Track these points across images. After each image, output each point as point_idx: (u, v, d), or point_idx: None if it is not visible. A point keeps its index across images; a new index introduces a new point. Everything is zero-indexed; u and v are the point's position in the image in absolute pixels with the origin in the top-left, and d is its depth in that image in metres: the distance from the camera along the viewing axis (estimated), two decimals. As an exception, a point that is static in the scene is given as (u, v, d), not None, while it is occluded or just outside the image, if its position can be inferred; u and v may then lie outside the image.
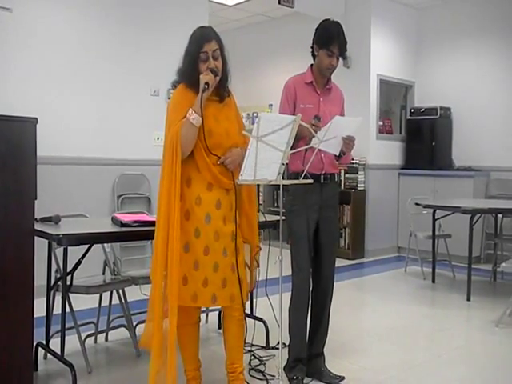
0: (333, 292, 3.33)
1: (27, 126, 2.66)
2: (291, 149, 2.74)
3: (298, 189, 3.12)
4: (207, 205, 2.72)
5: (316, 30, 3.22)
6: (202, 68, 2.71)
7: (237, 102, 2.98)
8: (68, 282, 3.27)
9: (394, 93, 8.17)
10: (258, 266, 3.12)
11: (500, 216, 6.17)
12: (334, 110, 3.20)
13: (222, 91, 2.84)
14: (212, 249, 2.71)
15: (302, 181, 2.84)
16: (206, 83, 2.64)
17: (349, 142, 3.08)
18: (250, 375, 3.33)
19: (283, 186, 2.81)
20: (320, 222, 3.22)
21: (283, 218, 3.02)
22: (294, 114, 2.93)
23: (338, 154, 3.16)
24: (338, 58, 3.16)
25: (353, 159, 7.05)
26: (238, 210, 2.91)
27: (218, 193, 2.76)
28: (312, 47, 3.23)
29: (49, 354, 3.45)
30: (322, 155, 3.16)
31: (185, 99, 2.72)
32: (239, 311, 2.89)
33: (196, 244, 2.70)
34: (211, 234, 2.72)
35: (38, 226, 2.97)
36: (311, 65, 3.27)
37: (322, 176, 3.20)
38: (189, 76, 2.75)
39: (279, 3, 6.75)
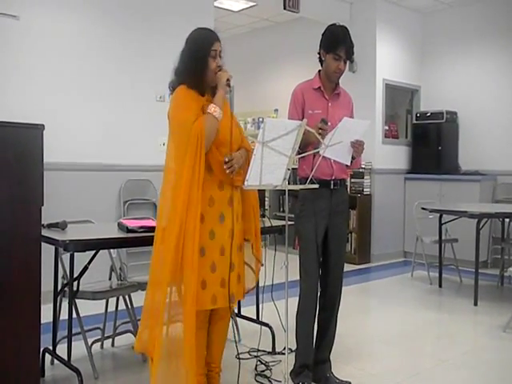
0: (341, 298, 3.32)
1: (34, 132, 2.68)
2: (300, 154, 2.75)
3: (308, 194, 3.12)
4: (220, 204, 2.76)
5: (322, 34, 3.22)
6: (212, 65, 2.75)
7: (242, 106, 3.01)
8: (74, 288, 3.28)
9: (399, 97, 8.16)
10: (262, 265, 3.14)
11: (507, 220, 6.15)
12: (343, 115, 3.19)
13: (215, 91, 2.86)
14: (227, 248, 2.75)
15: (307, 186, 2.84)
16: (227, 79, 2.73)
17: (358, 145, 3.08)
18: (256, 380, 3.32)
19: (292, 191, 2.81)
20: (329, 228, 3.21)
21: (292, 223, 3.02)
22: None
23: (349, 164, 3.16)
24: (345, 62, 3.16)
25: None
26: (247, 206, 2.97)
27: (229, 190, 2.80)
28: (319, 52, 3.23)
29: (56, 360, 3.46)
30: (332, 160, 3.15)
31: (192, 99, 2.74)
32: (230, 310, 2.94)
33: (212, 246, 2.72)
34: (226, 233, 2.76)
35: (44, 232, 2.99)
36: (319, 71, 3.27)
37: (332, 182, 3.18)
38: (196, 73, 2.75)
39: (284, 8, 6.77)
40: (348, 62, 3.22)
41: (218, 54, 2.78)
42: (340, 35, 3.13)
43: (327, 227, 3.21)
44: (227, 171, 2.71)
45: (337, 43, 3.11)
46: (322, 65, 3.24)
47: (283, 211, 8.14)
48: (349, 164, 3.17)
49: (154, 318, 2.68)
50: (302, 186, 2.93)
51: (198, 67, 2.75)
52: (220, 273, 2.73)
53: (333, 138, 2.86)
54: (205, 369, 2.98)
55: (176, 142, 2.75)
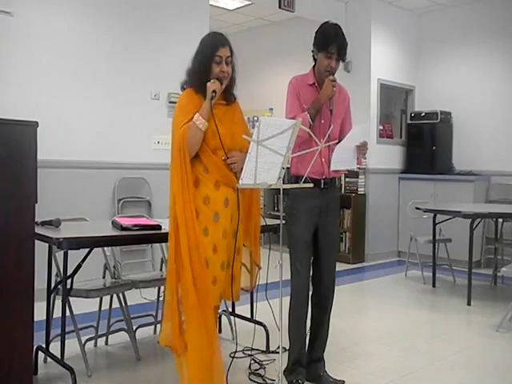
0: (333, 297, 3.32)
1: (28, 129, 2.67)
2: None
3: (299, 193, 3.12)
4: (215, 203, 2.77)
5: (316, 33, 3.21)
6: (216, 70, 2.78)
7: (240, 106, 3.01)
8: (68, 286, 3.27)
9: (394, 97, 8.18)
10: (260, 268, 3.14)
11: (500, 220, 6.17)
12: (338, 111, 3.22)
13: (228, 95, 2.93)
14: (220, 247, 2.77)
15: (302, 185, 2.85)
16: (214, 91, 2.72)
17: (363, 148, 3.15)
18: (250, 379, 3.32)
19: (284, 189, 2.81)
20: (319, 227, 3.22)
21: (283, 221, 3.03)
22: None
23: (355, 167, 3.21)
24: (337, 60, 3.15)
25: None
26: (245, 212, 2.97)
27: (225, 191, 2.80)
28: (312, 51, 3.23)
29: (49, 358, 3.45)
30: (323, 159, 3.16)
31: (191, 103, 2.79)
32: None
33: (205, 243, 2.73)
34: (220, 232, 2.77)
35: (38, 230, 2.97)
36: (313, 66, 3.26)
37: (323, 181, 3.20)
38: (199, 77, 2.79)
39: (280, 7, 6.77)
40: (343, 62, 3.22)
41: (225, 60, 2.80)
42: (331, 33, 3.12)
43: (317, 226, 3.22)
44: (231, 166, 2.78)
45: (328, 41, 3.11)
46: (315, 62, 3.24)
47: (278, 210, 8.14)
48: (355, 167, 3.20)
49: (172, 312, 2.72)
50: (297, 185, 2.93)
51: (202, 72, 2.80)
52: (212, 270, 2.74)
53: (341, 151, 3.02)
54: None
55: (172, 143, 2.79)
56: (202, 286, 2.69)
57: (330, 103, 3.16)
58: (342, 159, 3.07)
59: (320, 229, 3.22)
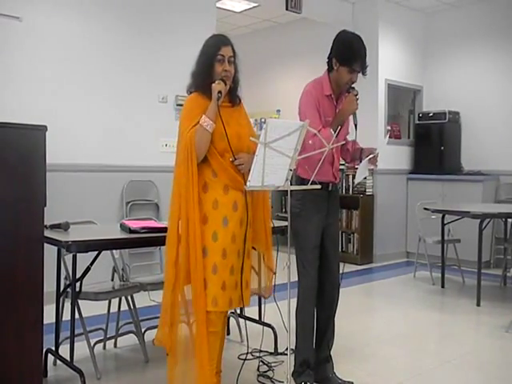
0: (339, 297, 3.32)
1: (37, 133, 2.68)
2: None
3: (307, 194, 3.13)
4: (224, 207, 2.77)
5: (334, 41, 3.15)
6: (218, 69, 2.79)
7: (245, 107, 3.02)
8: (77, 289, 3.28)
9: (402, 97, 8.16)
10: (274, 273, 3.13)
11: (510, 220, 6.14)
12: (349, 120, 3.25)
13: (233, 97, 2.93)
14: (229, 252, 2.76)
15: (309, 186, 2.85)
16: (219, 92, 2.72)
17: (374, 159, 3.26)
18: (259, 381, 3.32)
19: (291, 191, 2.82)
20: (325, 228, 3.24)
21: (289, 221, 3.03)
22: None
23: (367, 176, 3.28)
24: (358, 73, 3.11)
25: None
26: (254, 215, 2.97)
27: (234, 195, 2.80)
28: (329, 58, 3.16)
29: (58, 361, 3.46)
30: (334, 170, 3.24)
31: (197, 106, 2.79)
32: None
33: (214, 248, 2.73)
34: (229, 236, 2.77)
35: (47, 233, 2.99)
36: (328, 71, 3.20)
37: (331, 184, 3.25)
38: (203, 77, 2.81)
39: (287, 9, 6.77)
40: (364, 76, 3.17)
41: (227, 59, 2.80)
42: (356, 49, 3.07)
43: (323, 227, 3.24)
44: (239, 167, 2.77)
45: (353, 58, 3.05)
46: (330, 69, 3.18)
47: (285, 211, 8.13)
48: (366, 175, 3.27)
49: (170, 315, 2.73)
50: (304, 187, 2.93)
51: (206, 72, 2.81)
52: (221, 275, 2.73)
53: (361, 166, 3.20)
54: (218, 368, 2.96)
55: (178, 149, 2.80)
56: (211, 293, 2.70)
57: (355, 118, 3.17)
58: (361, 171, 3.23)
59: (325, 229, 3.25)
